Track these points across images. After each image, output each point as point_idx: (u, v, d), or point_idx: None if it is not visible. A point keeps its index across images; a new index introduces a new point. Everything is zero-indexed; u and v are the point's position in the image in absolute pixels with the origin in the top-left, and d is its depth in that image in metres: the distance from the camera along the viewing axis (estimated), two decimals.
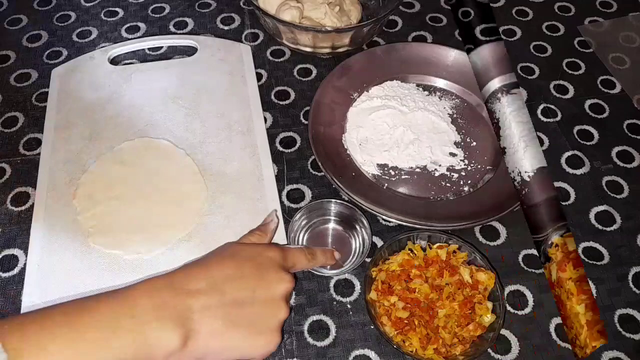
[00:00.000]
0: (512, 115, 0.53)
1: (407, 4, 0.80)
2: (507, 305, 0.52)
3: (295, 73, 0.71)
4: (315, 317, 0.51)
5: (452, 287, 0.50)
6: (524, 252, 0.56)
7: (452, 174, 0.61)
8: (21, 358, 0.32)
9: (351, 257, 0.55)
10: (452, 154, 0.62)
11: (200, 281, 0.40)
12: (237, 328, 0.39)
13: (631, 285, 0.54)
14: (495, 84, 0.55)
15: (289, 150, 0.63)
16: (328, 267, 0.54)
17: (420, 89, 0.69)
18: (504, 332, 0.51)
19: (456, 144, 0.64)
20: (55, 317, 0.36)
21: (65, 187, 0.57)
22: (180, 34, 0.75)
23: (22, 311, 0.49)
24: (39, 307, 0.49)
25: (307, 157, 0.63)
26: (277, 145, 0.64)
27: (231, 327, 0.39)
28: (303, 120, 0.66)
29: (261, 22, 0.75)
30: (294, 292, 0.52)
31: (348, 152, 0.62)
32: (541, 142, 0.64)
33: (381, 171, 0.61)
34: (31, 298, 0.50)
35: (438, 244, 0.53)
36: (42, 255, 0.53)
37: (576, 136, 0.66)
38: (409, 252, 0.53)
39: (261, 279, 0.42)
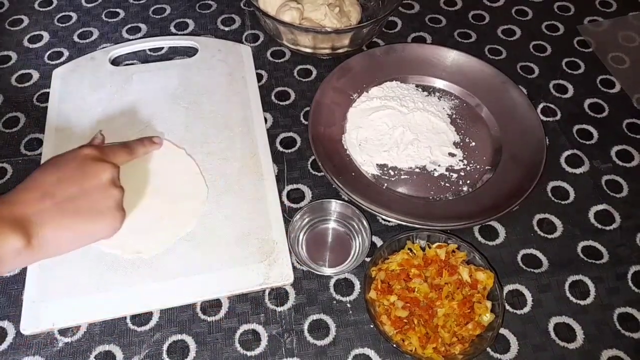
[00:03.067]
0: None
1: (407, 5, 0.81)
2: (506, 304, 0.52)
3: (295, 74, 0.71)
4: (315, 316, 0.52)
5: (451, 286, 0.50)
6: (522, 251, 0.56)
7: (451, 174, 0.61)
8: None
9: (351, 256, 0.55)
10: (451, 154, 0.63)
11: (29, 192, 0.45)
12: (78, 216, 0.46)
13: (630, 284, 0.54)
14: None
15: (289, 151, 0.64)
16: (323, 262, 0.54)
17: (420, 89, 0.69)
18: (502, 331, 0.51)
19: (455, 144, 0.64)
20: None
21: None
22: (181, 34, 0.76)
23: (23, 311, 0.50)
24: (40, 307, 0.50)
25: (307, 157, 0.63)
26: (278, 145, 0.64)
27: (72, 216, 0.45)
28: (303, 121, 0.66)
29: (261, 23, 0.75)
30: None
31: (348, 152, 0.62)
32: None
33: (381, 171, 0.61)
34: (32, 298, 0.50)
35: (437, 244, 0.53)
36: None
37: (576, 135, 0.66)
38: (409, 251, 0.53)
39: (84, 173, 0.48)
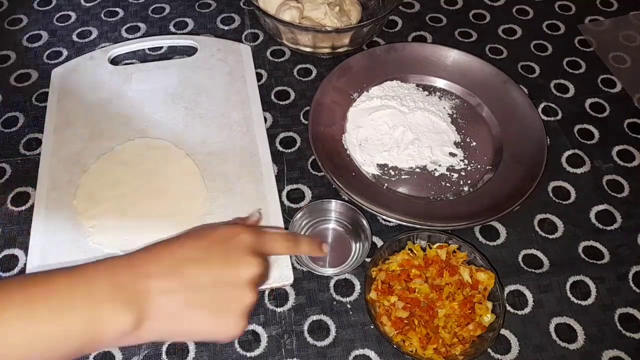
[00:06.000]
0: None
1: (407, 4, 0.80)
2: (506, 305, 0.52)
3: (295, 73, 0.71)
4: (315, 317, 0.52)
5: (452, 287, 0.50)
6: (523, 252, 0.56)
7: (451, 174, 0.61)
8: None
9: (351, 257, 0.55)
10: (452, 154, 0.62)
11: (161, 263, 0.39)
12: (197, 311, 0.38)
13: (631, 284, 0.54)
14: None
15: (289, 150, 0.63)
16: (323, 263, 0.54)
17: (420, 89, 0.69)
18: (503, 331, 0.51)
19: (456, 144, 0.64)
20: (11, 285, 0.35)
21: (65, 187, 0.57)
22: (180, 34, 0.75)
23: None
24: None
25: (307, 157, 0.63)
26: (277, 145, 0.64)
27: (191, 309, 0.38)
28: (303, 120, 0.66)
29: (261, 22, 0.75)
30: (267, 279, 0.45)
31: (348, 152, 0.62)
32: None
33: (381, 171, 0.61)
34: None
35: (438, 244, 0.53)
36: (42, 255, 0.53)
37: (577, 135, 0.66)
38: (409, 252, 0.53)
39: (227, 263, 0.40)
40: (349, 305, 0.52)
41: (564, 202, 0.60)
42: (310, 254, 0.52)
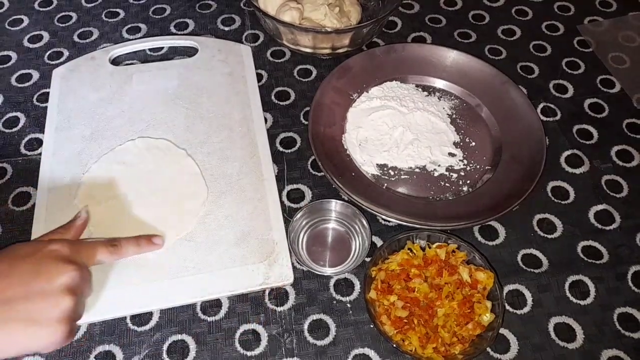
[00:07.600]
0: None
1: (407, 5, 0.81)
2: (506, 304, 0.52)
3: (295, 74, 0.71)
4: (315, 316, 0.52)
5: (451, 286, 0.50)
6: (522, 251, 0.56)
7: (451, 174, 0.61)
8: None
9: (351, 256, 0.55)
10: (451, 154, 0.63)
11: None
12: (12, 323, 0.39)
13: (630, 284, 0.54)
14: None
15: (289, 151, 0.64)
16: (324, 263, 0.54)
17: (420, 89, 0.69)
18: (502, 331, 0.51)
19: (455, 144, 0.64)
20: None
21: (66, 187, 0.58)
22: (181, 34, 0.76)
23: None
24: None
25: (307, 157, 0.63)
26: (278, 145, 0.64)
27: (4, 323, 0.39)
28: (303, 121, 0.66)
29: (261, 23, 0.75)
30: (89, 285, 0.47)
31: (348, 152, 0.62)
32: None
33: (381, 171, 0.61)
34: None
35: (437, 244, 0.53)
36: None
37: (576, 135, 0.66)
38: (409, 251, 0.53)
39: (36, 273, 0.41)
40: (348, 305, 0.52)
41: (563, 202, 0.60)
42: (141, 252, 0.52)
